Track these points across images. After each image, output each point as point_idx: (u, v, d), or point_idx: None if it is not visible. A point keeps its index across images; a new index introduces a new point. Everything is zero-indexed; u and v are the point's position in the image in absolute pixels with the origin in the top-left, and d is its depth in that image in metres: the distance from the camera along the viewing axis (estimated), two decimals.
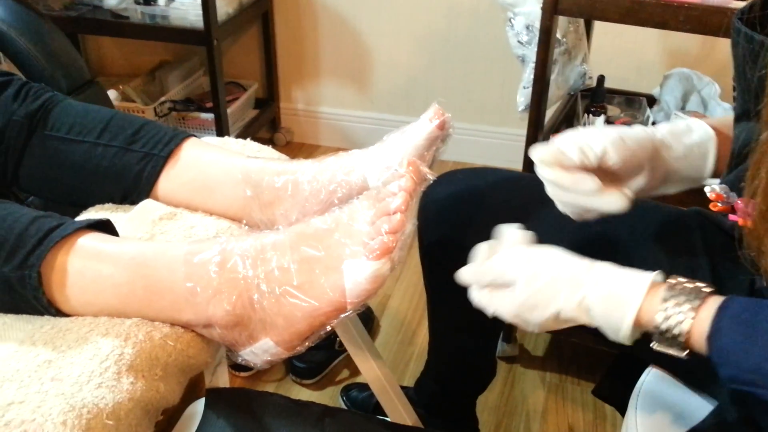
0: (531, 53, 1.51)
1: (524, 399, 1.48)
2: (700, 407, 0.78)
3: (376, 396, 1.01)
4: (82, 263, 0.65)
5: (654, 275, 0.64)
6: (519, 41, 1.54)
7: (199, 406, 0.76)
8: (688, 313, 0.61)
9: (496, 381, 1.24)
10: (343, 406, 1.42)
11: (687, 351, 0.62)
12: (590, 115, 1.59)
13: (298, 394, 1.47)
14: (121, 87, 2.15)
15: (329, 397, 1.47)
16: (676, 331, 0.61)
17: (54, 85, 1.10)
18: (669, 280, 0.64)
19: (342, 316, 0.66)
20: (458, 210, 0.97)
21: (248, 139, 0.96)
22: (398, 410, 0.98)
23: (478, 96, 2.18)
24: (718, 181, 0.79)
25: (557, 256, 0.68)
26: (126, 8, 1.96)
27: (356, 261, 0.64)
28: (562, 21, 1.50)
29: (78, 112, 0.83)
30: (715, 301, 0.61)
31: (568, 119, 1.69)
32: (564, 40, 1.56)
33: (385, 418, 0.94)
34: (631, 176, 0.76)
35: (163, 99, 2.11)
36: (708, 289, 0.62)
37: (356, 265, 0.64)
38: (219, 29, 1.92)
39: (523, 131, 1.48)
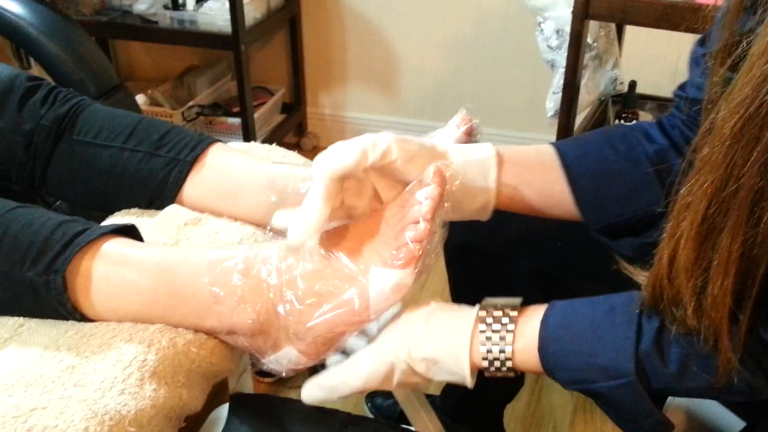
0: (561, 58, 1.49)
1: (552, 409, 1.46)
2: (733, 422, 0.76)
3: (400, 405, 1.00)
4: (107, 268, 0.65)
5: (475, 315, 0.64)
6: (549, 46, 1.52)
7: (222, 411, 0.75)
8: (507, 339, 0.62)
9: (524, 391, 1.23)
10: (368, 414, 1.41)
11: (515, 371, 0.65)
12: (622, 121, 1.57)
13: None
14: (149, 92, 2.18)
15: (353, 404, 1.46)
16: (502, 359, 0.63)
17: (82, 90, 1.11)
18: (479, 312, 0.64)
19: (364, 324, 0.66)
20: None
21: (274, 145, 0.96)
22: (423, 419, 0.96)
23: (507, 101, 2.16)
24: None
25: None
26: (155, 13, 1.98)
27: (380, 269, 0.63)
28: (592, 25, 1.48)
29: (105, 117, 0.83)
30: (527, 318, 0.64)
31: (598, 125, 1.66)
32: (595, 44, 1.54)
33: (410, 428, 0.92)
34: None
35: (190, 103, 2.13)
36: (515, 312, 0.64)
37: (380, 273, 0.63)
38: (247, 34, 1.93)
39: (553, 137, 1.47)
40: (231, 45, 1.91)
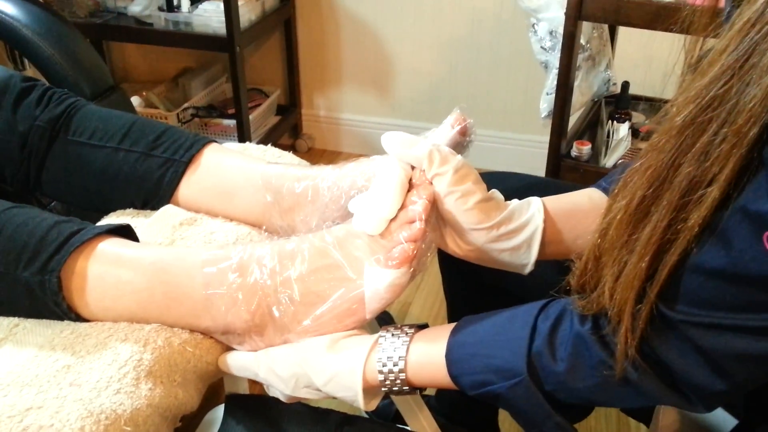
0: (554, 59, 1.50)
1: None
2: (725, 420, 0.76)
3: (395, 404, 1.00)
4: (102, 268, 0.65)
5: (377, 335, 0.65)
6: (542, 47, 1.52)
7: (218, 412, 0.75)
8: (400, 351, 0.63)
9: None
10: (363, 414, 1.41)
11: (416, 389, 0.66)
12: (614, 122, 1.58)
13: (318, 401, 1.46)
14: (144, 93, 2.17)
15: (349, 404, 1.46)
16: (396, 371, 0.63)
17: (77, 91, 1.11)
18: (380, 332, 0.66)
19: (360, 324, 0.66)
20: None
21: (269, 145, 0.96)
22: (419, 419, 0.97)
23: (501, 102, 2.16)
24: None
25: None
26: (150, 15, 1.98)
27: (375, 269, 0.63)
28: (585, 26, 1.48)
29: (100, 118, 0.83)
30: (424, 334, 0.65)
31: (591, 126, 1.67)
32: (588, 45, 1.54)
33: (406, 427, 0.93)
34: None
35: (185, 105, 2.12)
36: (411, 329, 0.65)
37: (375, 273, 0.63)
38: (242, 36, 1.93)
39: (547, 138, 1.47)
40: (226, 47, 1.91)
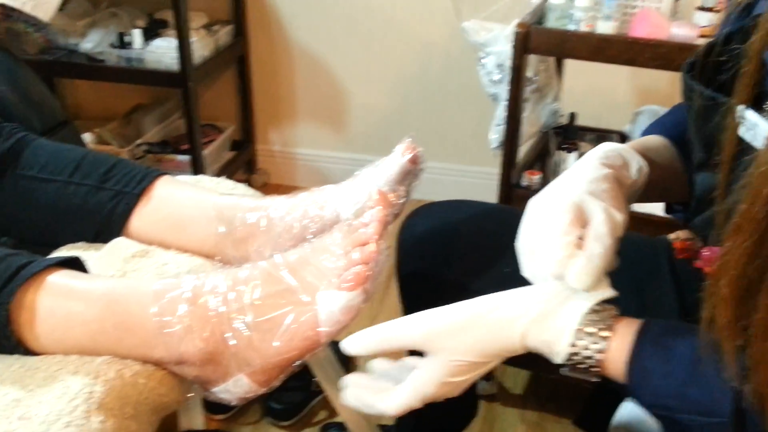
0: (503, 91, 1.54)
1: None
2: None
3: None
4: (52, 301, 0.64)
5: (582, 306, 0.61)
6: (491, 80, 1.56)
7: None
8: (600, 342, 0.59)
9: (475, 419, 1.23)
10: None
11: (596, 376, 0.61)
12: (563, 152, 1.62)
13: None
14: (97, 130, 2.15)
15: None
16: (589, 362, 0.59)
17: (27, 126, 1.09)
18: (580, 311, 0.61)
19: (316, 348, 0.66)
20: (435, 242, 0.97)
21: (222, 177, 0.97)
22: None
23: (453, 135, 2.20)
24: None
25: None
26: (102, 52, 1.97)
27: (330, 292, 0.64)
28: (532, 59, 1.53)
29: (50, 152, 0.83)
30: (626, 326, 0.60)
31: (541, 156, 1.71)
32: (535, 78, 1.59)
33: None
34: None
35: (139, 141, 2.11)
36: (615, 313, 0.60)
37: (330, 296, 0.64)
38: (195, 72, 1.93)
39: (497, 170, 1.50)
40: (179, 83, 1.91)
